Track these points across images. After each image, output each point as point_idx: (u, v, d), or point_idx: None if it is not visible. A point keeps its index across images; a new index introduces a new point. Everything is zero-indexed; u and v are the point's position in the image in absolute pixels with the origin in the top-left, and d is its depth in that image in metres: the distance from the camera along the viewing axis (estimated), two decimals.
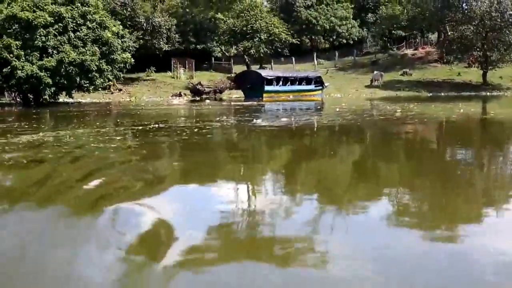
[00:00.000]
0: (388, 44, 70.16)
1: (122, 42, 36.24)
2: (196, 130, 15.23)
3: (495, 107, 30.70)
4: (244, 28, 55.61)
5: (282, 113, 26.56)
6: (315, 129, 17.16)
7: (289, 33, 58.73)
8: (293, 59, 61.51)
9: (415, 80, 58.56)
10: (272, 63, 60.78)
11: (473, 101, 37.61)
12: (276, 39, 57.01)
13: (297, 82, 46.27)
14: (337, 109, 26.62)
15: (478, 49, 56.73)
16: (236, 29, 55.72)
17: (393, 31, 68.81)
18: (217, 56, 63.06)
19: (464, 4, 57.12)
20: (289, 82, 45.72)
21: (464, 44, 56.76)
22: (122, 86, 48.68)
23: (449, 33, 62.02)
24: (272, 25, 56.52)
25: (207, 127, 16.61)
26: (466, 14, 56.34)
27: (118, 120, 20.93)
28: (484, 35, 55.62)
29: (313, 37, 68.54)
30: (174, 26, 54.66)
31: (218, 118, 20.81)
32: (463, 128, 17.40)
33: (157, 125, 16.88)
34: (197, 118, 22.21)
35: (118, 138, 12.86)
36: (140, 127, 16.23)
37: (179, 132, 14.69)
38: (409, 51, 70.05)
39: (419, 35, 72.56)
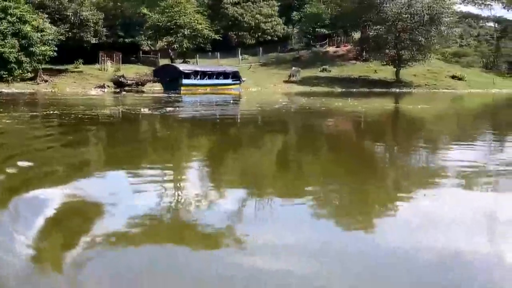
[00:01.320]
0: (312, 42, 72.89)
1: (41, 35, 37.68)
2: (82, 117, 17.60)
3: (392, 101, 33.67)
4: (168, 24, 57.45)
5: (191, 103, 29.09)
6: (219, 117, 19.76)
7: (212, 29, 60.83)
8: (218, 54, 63.71)
9: (333, 77, 61.54)
10: (198, 58, 62.82)
11: (378, 96, 40.69)
12: (199, 34, 59.09)
13: (215, 76, 48.50)
14: (247, 101, 29.02)
15: (391, 48, 60.23)
16: (161, 24, 57.52)
17: (317, 29, 71.48)
18: (145, 50, 64.69)
19: (379, 6, 60.18)
20: (206, 76, 47.91)
21: (378, 43, 60.25)
22: (49, 77, 49.85)
23: (366, 33, 65.48)
24: (195, 21, 58.50)
25: (93, 115, 18.94)
26: (380, 15, 59.66)
27: (13, 107, 22.70)
28: (397, 35, 59.13)
29: (239, 33, 70.72)
30: (102, 20, 55.85)
31: (112, 107, 23.09)
32: (367, 120, 20.23)
33: (51, 112, 19.10)
34: (97, 107, 24.28)
35: None
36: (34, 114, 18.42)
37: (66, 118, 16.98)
38: (331, 49, 73.03)
39: (342, 33, 75.53)
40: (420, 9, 57.58)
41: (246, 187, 6.61)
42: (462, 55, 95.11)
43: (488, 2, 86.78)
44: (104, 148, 10.88)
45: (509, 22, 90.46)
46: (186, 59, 61.34)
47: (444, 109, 29.64)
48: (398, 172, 8.05)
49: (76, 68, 55.27)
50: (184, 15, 57.83)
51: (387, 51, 60.42)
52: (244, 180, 7.30)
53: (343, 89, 54.27)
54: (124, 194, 6.09)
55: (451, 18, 60.17)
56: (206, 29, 59.60)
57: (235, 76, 50.34)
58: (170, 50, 60.47)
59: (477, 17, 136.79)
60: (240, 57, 66.76)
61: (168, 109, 22.00)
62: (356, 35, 73.97)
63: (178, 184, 6.73)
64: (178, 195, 6.12)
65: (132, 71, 55.78)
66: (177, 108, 22.56)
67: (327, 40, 73.62)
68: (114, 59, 58.20)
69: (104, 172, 7.72)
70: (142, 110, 20.83)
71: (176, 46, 59.15)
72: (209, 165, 8.60)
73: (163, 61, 60.07)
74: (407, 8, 57.51)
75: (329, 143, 12.26)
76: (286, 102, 29.65)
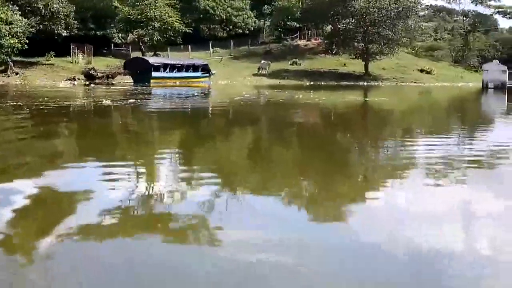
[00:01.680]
0: (283, 35, 73.74)
1: (10, 28, 37.96)
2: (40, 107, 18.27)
3: (354, 94, 34.53)
4: (139, 17, 57.84)
5: (157, 96, 29.81)
6: (188, 108, 20.49)
7: (182, 23, 61.32)
8: (189, 47, 64.23)
9: (302, 70, 62.50)
10: (169, 51, 63.31)
11: (343, 89, 41.53)
12: (169, 27, 59.58)
13: (184, 69, 49.18)
14: (212, 93, 29.82)
15: (359, 42, 61.31)
16: (132, 17, 57.88)
17: (288, 23, 72.41)
18: (117, 43, 64.97)
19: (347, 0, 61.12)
20: (176, 69, 48.57)
21: (347, 37, 61.30)
22: (20, 70, 50.09)
23: (336, 27, 66.47)
24: (166, 15, 58.98)
25: (54, 106, 19.56)
26: (348, 9, 60.65)
27: None
28: (365, 29, 60.21)
29: (211, 26, 71.30)
30: (73, 13, 55.92)
31: (75, 99, 23.70)
32: (330, 111, 21.11)
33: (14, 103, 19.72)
34: (61, 99, 24.79)
35: None
36: None
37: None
38: (302, 42, 74.00)
39: (313, 26, 76.42)
40: (387, 3, 58.65)
41: (201, 177, 6.87)
42: (437, 48, 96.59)
43: None
44: (58, 140, 11.32)
45: (478, 16, 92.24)
46: (157, 52, 61.72)
47: (400, 102, 30.65)
48: (354, 163, 8.55)
49: (48, 60, 55.42)
50: (155, 8, 58.22)
51: (355, 44, 61.48)
52: (199, 170, 7.45)
53: (312, 82, 55.18)
54: (89, 186, 6.10)
55: (418, 12, 61.40)
56: (176, 22, 60.04)
57: (205, 69, 51.08)
58: (141, 43, 60.88)
59: (451, 11, 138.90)
60: (211, 50, 67.41)
61: (130, 101, 22.64)
62: (327, 28, 74.88)
63: (138, 177, 6.88)
64: (138, 187, 6.19)
65: (103, 64, 56.13)
66: (139, 101, 23.14)
67: (298, 33, 74.50)
68: (86, 52, 58.49)
69: (61, 164, 7.84)
70: (104, 101, 21.49)
71: (147, 39, 59.60)
72: (166, 156, 8.84)
73: (134, 54, 60.38)
74: (374, 2, 58.56)
75: (277, 134, 12.92)
76: (248, 95, 30.39)
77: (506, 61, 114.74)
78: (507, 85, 49.00)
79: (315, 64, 65.64)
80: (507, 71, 50.93)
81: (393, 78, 62.60)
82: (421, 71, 67.87)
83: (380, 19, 59.05)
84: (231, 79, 55.27)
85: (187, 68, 49.47)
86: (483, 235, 4.60)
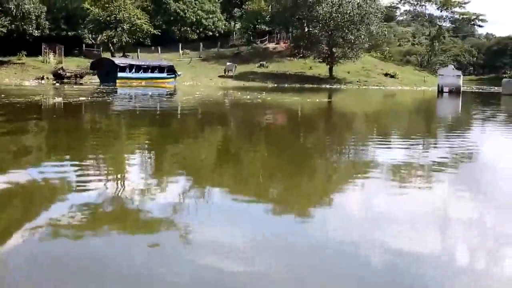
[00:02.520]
0: (252, 38, 75.48)
1: None
2: None
3: (309, 96, 36.17)
4: (108, 18, 59.27)
5: (119, 95, 31.36)
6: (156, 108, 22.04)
7: (152, 24, 62.86)
8: (159, 48, 65.81)
9: (269, 72, 64.18)
10: (139, 52, 64.62)
11: (303, 92, 42.98)
12: (138, 29, 61.12)
13: (150, 70, 50.74)
14: (172, 94, 31.30)
15: (324, 46, 63.19)
16: (101, 18, 59.26)
17: (257, 26, 74.16)
18: (88, 43, 66.23)
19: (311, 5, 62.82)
20: (141, 70, 50.12)
21: (312, 40, 63.17)
22: None
23: (303, 30, 68.34)
24: (135, 16, 60.54)
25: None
26: (312, 14, 62.48)
27: None
28: (329, 33, 62.10)
29: (181, 28, 73.00)
30: (45, 13, 56.95)
31: (33, 96, 25.19)
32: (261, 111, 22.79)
33: None
34: (19, 96, 26.18)
35: None
36: None
37: None
38: (271, 45, 75.63)
39: (282, 30, 78.17)
40: (350, 9, 60.57)
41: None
42: (414, 53, 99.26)
43: (423, 3, 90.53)
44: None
45: (455, 22, 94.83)
46: (127, 53, 63.20)
47: (349, 102, 32.50)
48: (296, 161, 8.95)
49: (19, 60, 56.40)
50: (124, 10, 59.68)
51: (320, 48, 63.33)
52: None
53: (275, 84, 56.70)
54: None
55: (381, 18, 63.53)
56: (145, 24, 61.56)
57: (171, 70, 52.66)
58: (110, 44, 62.28)
59: (430, 16, 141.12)
60: (181, 51, 68.95)
61: (81, 98, 24.19)
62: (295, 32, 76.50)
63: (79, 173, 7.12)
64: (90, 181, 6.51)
65: (74, 64, 57.33)
66: (96, 98, 24.70)
67: (268, 36, 76.18)
68: (57, 52, 59.64)
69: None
70: (56, 99, 23.08)
71: (116, 40, 61.04)
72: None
73: (105, 55, 61.65)
74: (337, 7, 60.43)
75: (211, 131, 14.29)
76: (200, 96, 31.96)
77: (482, 66, 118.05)
78: (461, 89, 51.30)
79: (282, 67, 67.40)
80: (461, 76, 53.10)
81: (357, 81, 64.43)
82: (386, 75, 69.78)
83: (343, 24, 60.88)
84: (197, 80, 56.63)
85: (153, 69, 50.98)
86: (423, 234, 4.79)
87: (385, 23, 71.77)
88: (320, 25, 62.35)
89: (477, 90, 61.29)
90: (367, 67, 70.32)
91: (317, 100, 32.09)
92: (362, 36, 62.02)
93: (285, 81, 60.01)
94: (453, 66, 57.23)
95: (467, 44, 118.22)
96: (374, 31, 62.92)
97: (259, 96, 31.60)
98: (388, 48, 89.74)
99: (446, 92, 51.53)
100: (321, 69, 66.03)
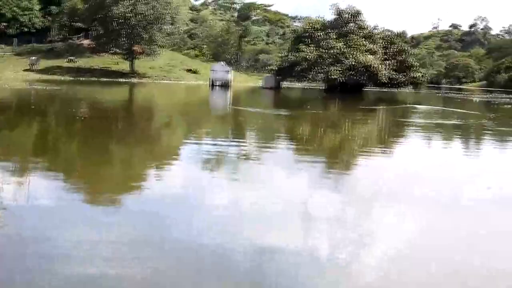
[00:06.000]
0: (68, 34, 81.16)
1: None
2: None
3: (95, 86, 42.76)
4: None
5: None
6: None
7: None
8: None
9: (76, 67, 70.04)
10: None
11: (94, 84, 49.71)
12: None
13: None
14: None
15: (124, 43, 69.90)
16: None
17: (73, 23, 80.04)
18: None
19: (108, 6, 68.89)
20: None
21: (112, 38, 69.66)
22: None
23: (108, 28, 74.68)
24: None
25: None
26: (110, 13, 68.47)
27: None
28: (129, 31, 68.73)
29: None
30: None
31: None
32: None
33: None
34: None
35: None
36: None
37: None
38: (86, 42, 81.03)
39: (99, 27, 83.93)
40: (145, 10, 67.37)
41: None
42: (266, 52, 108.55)
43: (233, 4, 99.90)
44: None
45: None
46: None
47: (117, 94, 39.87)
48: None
49: None
50: None
51: (121, 44, 69.97)
52: None
53: (72, 78, 62.69)
54: None
55: (175, 18, 71.38)
56: None
57: None
58: None
59: (287, 17, 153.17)
60: None
61: None
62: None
63: None
64: None
65: None
66: None
67: (84, 33, 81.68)
68: None
69: None
70: None
71: None
72: None
73: None
74: (132, 8, 66.92)
75: None
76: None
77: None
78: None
79: (91, 62, 73.30)
80: (231, 72, 62.40)
81: (156, 76, 71.59)
82: (188, 70, 77.50)
83: (138, 23, 67.81)
84: (2, 73, 60.65)
85: None
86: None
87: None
88: (119, 23, 68.07)
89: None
90: (172, 63, 77.78)
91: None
92: (158, 34, 69.22)
93: (88, 75, 66.08)
94: (223, 63, 66.03)
95: None
96: (169, 30, 70.44)
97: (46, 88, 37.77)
98: (205, 46, 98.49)
99: (217, 85, 60.46)
100: (126, 65, 72.42)
